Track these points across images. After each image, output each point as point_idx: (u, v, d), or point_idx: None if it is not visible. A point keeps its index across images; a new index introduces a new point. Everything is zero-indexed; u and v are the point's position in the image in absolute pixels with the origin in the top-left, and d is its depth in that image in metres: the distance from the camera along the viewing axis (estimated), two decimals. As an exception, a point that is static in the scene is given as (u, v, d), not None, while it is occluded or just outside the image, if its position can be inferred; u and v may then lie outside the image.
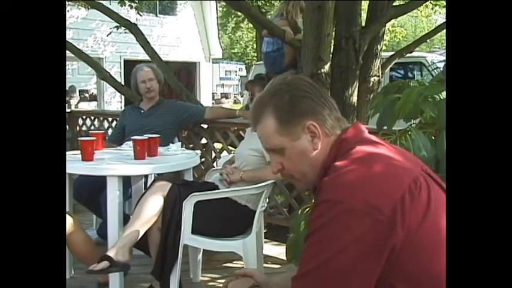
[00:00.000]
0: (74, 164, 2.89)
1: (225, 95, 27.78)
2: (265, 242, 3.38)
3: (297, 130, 1.32)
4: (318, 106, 1.34)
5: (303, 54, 4.11)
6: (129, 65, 12.93)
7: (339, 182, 1.18)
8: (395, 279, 1.14)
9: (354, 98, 4.15)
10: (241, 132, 4.03)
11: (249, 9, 4.67)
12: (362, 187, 1.14)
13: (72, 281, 3.21)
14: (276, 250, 3.72)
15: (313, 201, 1.99)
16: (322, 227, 1.14)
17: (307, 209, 2.03)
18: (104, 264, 2.51)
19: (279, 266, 3.46)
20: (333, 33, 4.09)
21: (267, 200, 2.90)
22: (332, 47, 4.12)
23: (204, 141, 4.41)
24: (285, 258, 3.48)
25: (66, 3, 10.59)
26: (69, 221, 2.79)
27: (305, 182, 1.38)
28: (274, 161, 1.38)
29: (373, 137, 1.33)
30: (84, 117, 5.49)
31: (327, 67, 3.99)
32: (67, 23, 11.58)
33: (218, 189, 2.88)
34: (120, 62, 13.12)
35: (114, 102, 13.07)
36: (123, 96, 12.44)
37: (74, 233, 2.82)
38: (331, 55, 4.09)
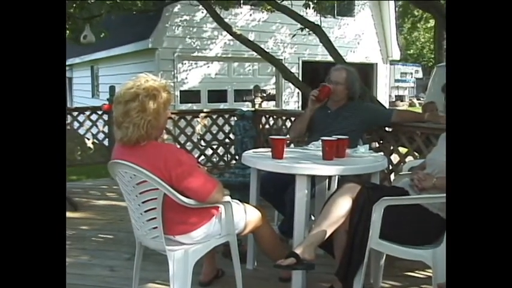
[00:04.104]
0: (265, 161, 3.00)
1: (400, 98, 27.02)
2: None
3: None
4: None
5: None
6: (307, 66, 13.35)
7: None
8: None
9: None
10: (428, 137, 3.87)
11: (440, 9, 4.49)
12: None
13: (256, 273, 3.35)
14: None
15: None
16: None
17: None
18: (291, 260, 2.57)
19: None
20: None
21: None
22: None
23: (386, 144, 4.31)
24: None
25: (249, 7, 11.19)
26: (258, 214, 2.90)
27: None
28: None
29: None
30: (267, 116, 5.70)
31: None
32: (250, 25, 12.23)
33: (408, 194, 2.79)
34: (299, 63, 13.41)
35: (291, 102, 13.42)
36: (300, 96, 12.77)
37: (262, 227, 2.93)
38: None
